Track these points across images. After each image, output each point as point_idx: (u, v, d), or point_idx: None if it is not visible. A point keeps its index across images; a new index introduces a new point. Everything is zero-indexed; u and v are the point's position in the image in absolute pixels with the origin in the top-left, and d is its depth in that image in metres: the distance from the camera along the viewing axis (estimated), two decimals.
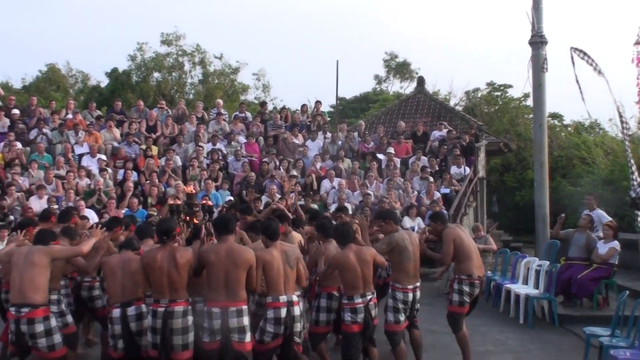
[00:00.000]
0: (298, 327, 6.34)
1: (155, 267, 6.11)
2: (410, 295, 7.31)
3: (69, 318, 7.03)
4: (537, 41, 14.32)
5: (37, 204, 13.49)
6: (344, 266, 6.66)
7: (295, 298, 6.38)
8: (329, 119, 23.97)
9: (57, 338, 6.28)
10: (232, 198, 14.91)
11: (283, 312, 6.22)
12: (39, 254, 6.25)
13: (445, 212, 12.15)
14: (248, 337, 6.11)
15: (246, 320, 6.10)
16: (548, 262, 10.86)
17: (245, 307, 6.16)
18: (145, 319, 6.28)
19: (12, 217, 12.96)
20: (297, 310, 6.32)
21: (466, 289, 7.69)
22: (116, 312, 6.27)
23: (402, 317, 7.24)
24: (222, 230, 6.35)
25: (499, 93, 33.88)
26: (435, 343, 8.51)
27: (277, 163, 17.02)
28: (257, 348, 6.27)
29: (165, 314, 6.05)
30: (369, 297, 6.78)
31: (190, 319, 6.17)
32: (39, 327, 6.11)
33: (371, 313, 6.80)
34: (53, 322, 6.30)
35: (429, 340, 8.74)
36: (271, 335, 6.22)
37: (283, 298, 6.25)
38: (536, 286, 10.69)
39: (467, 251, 7.80)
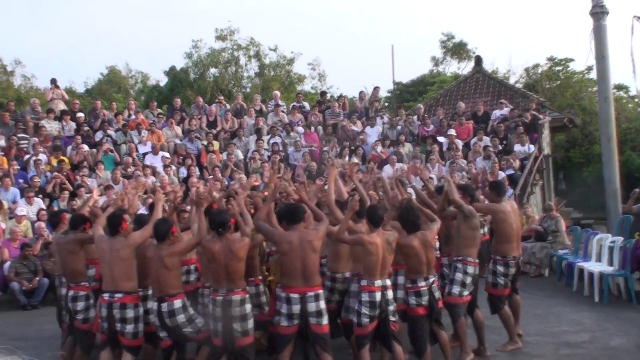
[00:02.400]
0: (391, 308, 6.43)
1: (212, 258, 6.29)
2: (478, 269, 7.40)
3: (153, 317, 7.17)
4: (598, 12, 13.91)
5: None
6: (408, 251, 6.66)
7: (389, 282, 6.49)
8: (386, 104, 23.84)
9: (141, 327, 6.51)
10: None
11: (378, 295, 6.32)
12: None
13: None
14: (325, 320, 6.30)
15: (323, 304, 6.30)
16: (622, 238, 10.58)
17: (321, 291, 6.36)
18: (179, 314, 6.35)
19: None
20: (390, 294, 6.43)
21: (500, 269, 7.69)
22: (154, 305, 6.44)
23: (465, 292, 7.27)
24: (290, 219, 6.46)
25: (560, 68, 33.01)
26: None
27: (338, 151, 17.00)
28: (357, 331, 6.45)
29: (223, 302, 6.22)
30: (431, 280, 6.80)
31: (248, 306, 6.32)
32: (130, 313, 6.37)
33: (435, 295, 6.80)
34: (141, 310, 6.54)
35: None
36: (367, 317, 6.32)
37: (378, 282, 6.34)
38: (610, 263, 10.43)
39: (509, 234, 7.75)
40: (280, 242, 6.34)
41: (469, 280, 7.28)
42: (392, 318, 6.43)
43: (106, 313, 6.39)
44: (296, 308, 6.18)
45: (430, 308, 6.75)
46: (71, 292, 7.05)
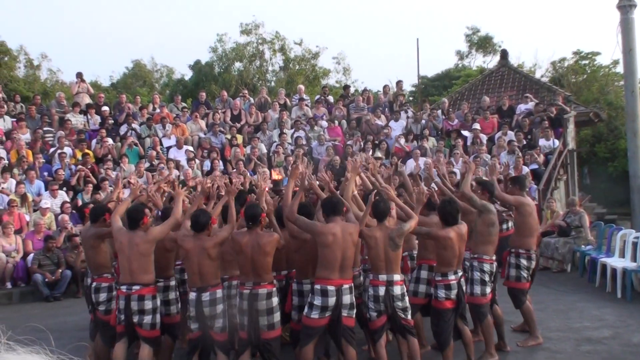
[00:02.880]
0: (400, 305, 6.37)
1: (240, 251, 6.33)
2: (495, 266, 7.35)
3: (174, 308, 7.16)
4: (626, 5, 13.72)
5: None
6: (445, 243, 6.61)
7: (397, 278, 6.39)
8: (411, 98, 23.75)
9: (158, 318, 6.54)
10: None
11: (382, 290, 6.31)
12: None
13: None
14: (354, 313, 6.32)
15: (354, 297, 6.31)
16: None
17: (352, 284, 6.36)
18: (219, 304, 6.41)
19: None
20: (397, 290, 6.35)
21: (524, 262, 7.67)
22: (192, 295, 6.45)
23: (488, 290, 7.23)
24: (330, 212, 6.43)
25: (586, 61, 32.74)
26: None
27: (361, 145, 16.98)
28: (370, 325, 6.49)
29: (250, 296, 6.25)
30: (460, 274, 6.79)
31: (275, 300, 6.34)
32: (148, 305, 6.40)
33: (462, 289, 6.80)
34: (158, 301, 6.57)
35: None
36: (374, 311, 6.35)
37: (383, 277, 6.33)
38: (634, 259, 10.31)
39: (533, 227, 7.79)
40: (325, 234, 6.22)
41: (487, 277, 7.23)
42: (402, 315, 6.38)
43: (124, 305, 6.43)
44: (332, 300, 6.13)
45: (458, 301, 6.74)
46: (94, 284, 7.09)
